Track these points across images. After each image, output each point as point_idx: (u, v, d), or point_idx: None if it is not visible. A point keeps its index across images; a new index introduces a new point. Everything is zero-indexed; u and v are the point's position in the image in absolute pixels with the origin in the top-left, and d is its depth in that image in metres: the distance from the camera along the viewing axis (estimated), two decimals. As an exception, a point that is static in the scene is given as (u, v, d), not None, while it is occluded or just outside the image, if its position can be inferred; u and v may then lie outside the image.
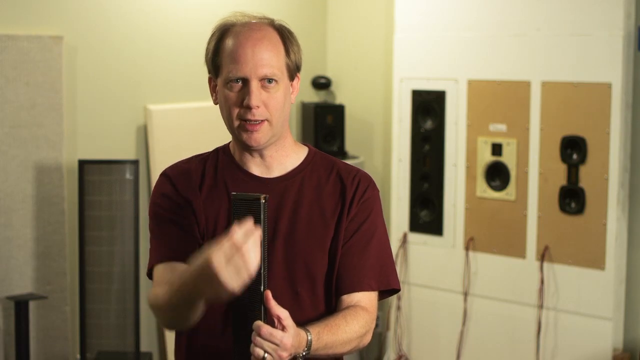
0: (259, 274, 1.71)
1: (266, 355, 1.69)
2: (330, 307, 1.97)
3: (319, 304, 1.95)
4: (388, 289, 2.01)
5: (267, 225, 1.75)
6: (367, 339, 1.96)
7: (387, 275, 2.00)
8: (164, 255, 1.94)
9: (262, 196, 1.72)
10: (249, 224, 1.66)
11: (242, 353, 1.76)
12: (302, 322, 1.83)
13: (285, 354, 1.71)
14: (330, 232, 1.96)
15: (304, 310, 1.92)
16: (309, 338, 1.80)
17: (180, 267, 1.88)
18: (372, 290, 1.98)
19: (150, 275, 2.00)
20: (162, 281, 1.90)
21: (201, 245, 1.92)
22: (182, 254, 1.90)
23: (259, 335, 1.69)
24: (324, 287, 1.96)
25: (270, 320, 1.73)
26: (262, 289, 1.73)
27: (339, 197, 1.98)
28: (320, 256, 1.95)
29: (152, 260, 1.98)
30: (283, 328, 1.72)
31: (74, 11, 3.89)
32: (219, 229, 1.94)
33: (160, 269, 1.94)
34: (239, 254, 1.63)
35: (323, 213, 1.96)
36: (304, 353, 1.79)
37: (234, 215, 1.74)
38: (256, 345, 1.70)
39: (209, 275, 1.64)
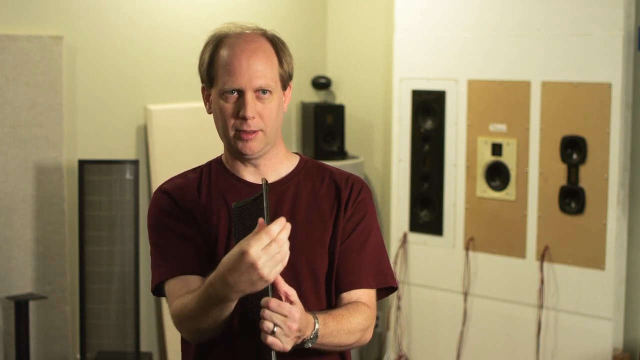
0: None
1: (276, 328, 1.70)
2: (331, 305, 2.00)
3: (321, 301, 1.98)
4: (386, 286, 2.04)
5: (269, 208, 1.75)
6: (369, 334, 1.99)
7: (385, 274, 2.04)
8: (174, 271, 1.94)
9: (262, 179, 1.74)
10: (281, 219, 1.68)
11: (250, 334, 1.76)
12: None
13: (295, 326, 1.72)
14: (329, 231, 1.99)
15: (308, 308, 1.92)
16: (316, 323, 1.82)
17: (194, 280, 1.90)
18: (371, 287, 2.01)
19: (156, 292, 1.99)
20: (179, 294, 1.90)
21: (207, 253, 1.93)
22: (192, 266, 1.93)
23: (268, 307, 1.70)
24: (325, 286, 1.99)
25: (277, 297, 1.74)
26: None
27: (335, 198, 2.02)
28: (321, 254, 1.98)
29: (162, 276, 1.96)
30: (291, 303, 1.74)
31: (74, 11, 3.89)
32: (220, 237, 1.95)
33: (173, 284, 1.93)
34: (276, 243, 1.65)
35: (321, 214, 2.00)
36: (311, 336, 1.81)
37: (236, 224, 1.75)
38: (265, 319, 1.70)
39: (245, 266, 1.65)
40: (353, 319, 1.93)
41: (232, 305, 1.77)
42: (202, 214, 1.97)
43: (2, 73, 3.63)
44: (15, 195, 3.70)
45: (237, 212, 1.77)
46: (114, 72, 4.05)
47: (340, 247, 1.99)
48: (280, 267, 1.68)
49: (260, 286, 1.69)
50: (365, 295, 2.00)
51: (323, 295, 1.99)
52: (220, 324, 1.82)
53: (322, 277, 1.98)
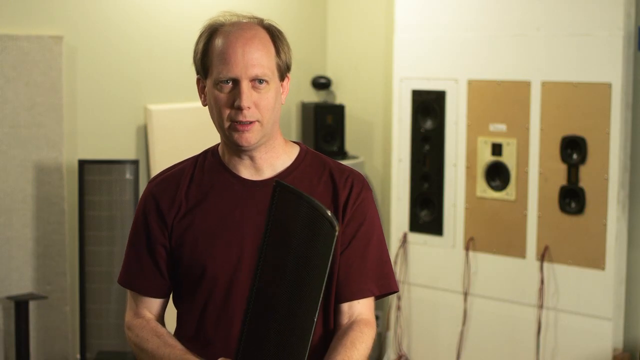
0: (315, 302, 1.59)
1: None
2: (328, 316, 1.93)
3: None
4: (388, 292, 1.98)
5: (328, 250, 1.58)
6: (368, 354, 1.94)
7: (388, 279, 1.97)
8: (133, 284, 2.02)
9: (336, 226, 1.55)
10: None
11: None
12: None
13: None
14: None
15: None
16: None
17: (150, 302, 2.01)
18: (373, 294, 1.95)
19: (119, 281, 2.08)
20: (132, 308, 2.03)
21: (170, 267, 1.97)
22: (145, 288, 2.00)
23: None
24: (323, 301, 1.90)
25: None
26: (314, 318, 1.60)
27: (331, 199, 1.94)
28: None
29: (122, 277, 2.04)
30: None
31: (74, 11, 3.89)
32: (202, 236, 1.92)
33: (130, 296, 2.04)
34: None
35: None
36: None
37: (274, 203, 1.61)
38: None
39: None
40: (360, 354, 1.84)
41: None
42: (181, 222, 1.94)
43: (2, 73, 3.63)
44: (15, 195, 3.70)
45: (280, 191, 1.60)
46: (114, 72, 4.05)
47: (341, 255, 1.91)
48: None
49: None
50: (365, 309, 1.93)
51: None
52: None
53: None
